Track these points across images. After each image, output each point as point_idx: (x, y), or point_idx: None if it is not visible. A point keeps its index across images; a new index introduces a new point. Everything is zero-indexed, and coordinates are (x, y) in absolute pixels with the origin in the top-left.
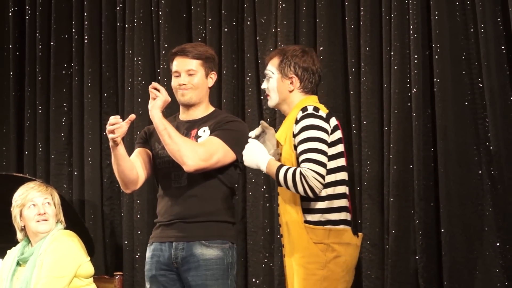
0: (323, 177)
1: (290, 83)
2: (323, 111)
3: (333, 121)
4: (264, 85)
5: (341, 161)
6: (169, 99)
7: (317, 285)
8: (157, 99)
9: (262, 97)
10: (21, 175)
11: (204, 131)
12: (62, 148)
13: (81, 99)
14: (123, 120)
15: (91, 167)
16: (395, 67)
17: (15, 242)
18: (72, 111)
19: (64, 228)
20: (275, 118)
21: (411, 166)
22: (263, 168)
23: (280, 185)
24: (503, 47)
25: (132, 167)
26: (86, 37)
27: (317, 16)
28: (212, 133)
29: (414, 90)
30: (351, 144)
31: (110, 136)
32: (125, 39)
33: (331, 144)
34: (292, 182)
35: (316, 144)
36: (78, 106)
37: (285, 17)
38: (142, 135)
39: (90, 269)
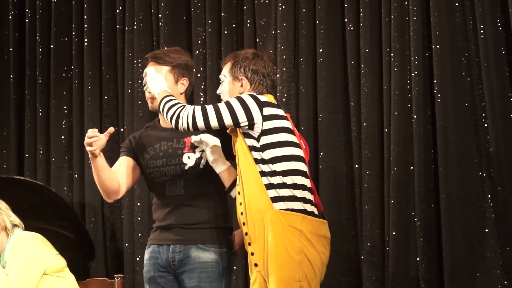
0: (194, 125)
1: (240, 85)
2: (268, 99)
3: (275, 111)
4: (218, 90)
5: (292, 150)
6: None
7: (296, 270)
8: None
9: None
10: (22, 178)
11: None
12: (62, 151)
13: (81, 102)
14: (102, 133)
15: (92, 169)
16: (395, 69)
17: None
18: (72, 114)
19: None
20: None
21: (411, 167)
22: (155, 92)
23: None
24: (502, 49)
25: (112, 177)
26: (86, 40)
27: (317, 18)
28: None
29: (414, 91)
30: (351, 146)
31: (88, 148)
32: (125, 41)
33: (268, 132)
34: (169, 107)
35: (223, 108)
36: (78, 109)
37: (285, 19)
38: (127, 144)
39: (59, 262)
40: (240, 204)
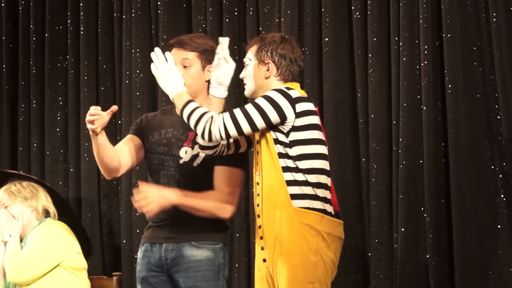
0: (227, 135)
1: (267, 69)
2: (299, 93)
3: (307, 106)
4: (241, 74)
5: (320, 149)
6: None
7: (311, 271)
8: (155, 204)
9: None
10: (15, 172)
11: None
12: (57, 144)
13: (77, 93)
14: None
15: (88, 163)
16: (404, 59)
17: None
18: (68, 106)
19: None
20: None
21: (420, 161)
22: (171, 95)
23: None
24: None
25: (113, 155)
26: (82, 28)
27: (322, 6)
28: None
29: (424, 82)
30: (358, 139)
31: (89, 126)
32: (123, 30)
33: (299, 129)
34: (197, 118)
35: (253, 112)
36: (74, 100)
37: (289, 7)
38: (137, 122)
39: (80, 262)
40: (258, 195)
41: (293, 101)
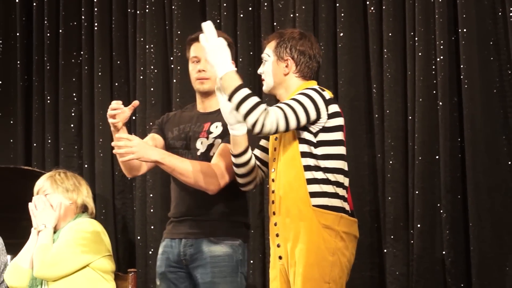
0: (278, 127)
1: (286, 66)
2: (329, 94)
3: (336, 108)
4: (260, 70)
5: (342, 150)
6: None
7: (327, 272)
8: (134, 153)
9: None
10: (30, 168)
11: (216, 126)
12: (71, 140)
13: (91, 89)
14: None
15: (102, 159)
16: (420, 54)
17: (25, 238)
18: (82, 102)
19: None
20: None
21: (437, 157)
22: (220, 73)
23: (230, 99)
24: None
25: None
26: (96, 24)
27: (337, 1)
28: (225, 137)
29: (440, 77)
30: (374, 135)
31: (110, 121)
32: (137, 26)
33: (329, 130)
34: (249, 108)
35: (297, 106)
36: (88, 96)
37: (304, 2)
38: (159, 121)
39: (109, 264)
40: (273, 192)
41: (326, 102)
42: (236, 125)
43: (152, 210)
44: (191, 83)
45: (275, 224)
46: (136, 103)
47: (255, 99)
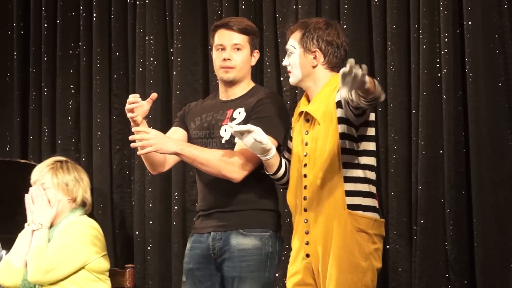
0: None
1: (314, 57)
2: None
3: None
4: (285, 62)
5: (375, 145)
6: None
7: (360, 277)
8: (152, 145)
9: (282, 78)
10: (26, 161)
11: (239, 112)
12: (69, 132)
13: (89, 81)
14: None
15: (100, 153)
16: (424, 46)
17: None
18: (80, 94)
19: (88, 214)
20: (296, 100)
21: (441, 151)
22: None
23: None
24: None
25: None
26: (94, 14)
27: None
28: (248, 122)
29: (444, 70)
30: (377, 128)
31: (129, 115)
32: (136, 17)
33: (367, 124)
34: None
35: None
36: (86, 88)
37: None
38: (181, 113)
39: (104, 264)
40: (305, 188)
41: None
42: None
43: (151, 205)
44: (215, 71)
45: (306, 221)
46: (154, 95)
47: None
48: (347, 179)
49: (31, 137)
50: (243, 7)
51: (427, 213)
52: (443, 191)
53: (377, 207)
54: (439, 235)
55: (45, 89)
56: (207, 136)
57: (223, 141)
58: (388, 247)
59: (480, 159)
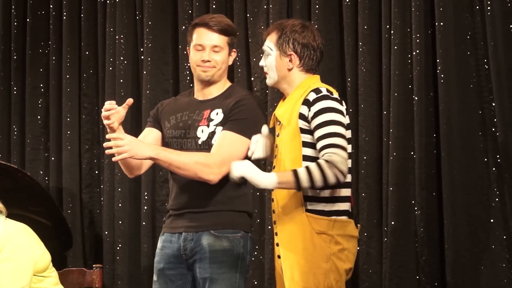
0: (346, 152)
1: (289, 60)
2: (336, 94)
3: (343, 105)
4: (262, 63)
5: (350, 148)
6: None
7: (322, 279)
8: (126, 152)
9: (252, 78)
10: None
11: (217, 113)
12: (38, 132)
13: (59, 80)
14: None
15: (69, 152)
16: (395, 47)
17: None
18: (49, 93)
19: (6, 217)
20: (267, 101)
21: (411, 153)
22: (274, 184)
23: (300, 188)
24: (511, 26)
25: None
26: (64, 13)
27: None
28: (225, 124)
29: (416, 71)
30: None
31: (105, 122)
32: (107, 15)
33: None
34: (321, 175)
35: (337, 128)
36: (55, 87)
37: None
38: (154, 113)
39: (46, 259)
40: (272, 189)
41: (341, 103)
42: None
43: (120, 205)
44: (191, 69)
45: (274, 223)
46: (130, 101)
47: (313, 168)
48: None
49: (0, 136)
50: (214, 6)
51: (398, 214)
52: (414, 192)
53: (343, 209)
54: (409, 236)
55: (14, 88)
56: (182, 136)
57: (199, 142)
58: (358, 248)
59: (451, 161)
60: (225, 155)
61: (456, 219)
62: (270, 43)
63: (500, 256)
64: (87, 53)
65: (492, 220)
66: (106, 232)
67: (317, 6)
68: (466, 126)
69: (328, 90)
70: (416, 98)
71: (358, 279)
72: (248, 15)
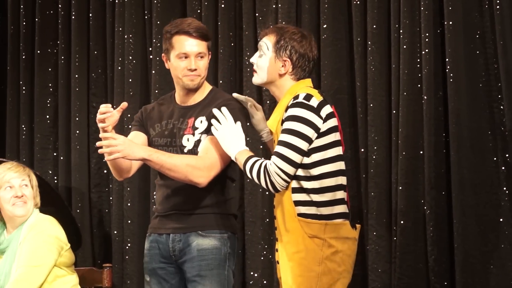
0: (287, 174)
1: (282, 66)
2: (316, 98)
3: (327, 109)
4: (253, 59)
5: (337, 151)
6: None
7: (314, 282)
8: (119, 152)
9: None
10: (3, 159)
11: (201, 121)
12: (47, 131)
13: (67, 79)
14: (115, 109)
15: (78, 152)
16: (404, 46)
17: None
18: (58, 92)
19: (41, 212)
20: (275, 101)
21: (421, 152)
22: (233, 156)
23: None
24: None
25: None
26: (73, 13)
27: None
28: (211, 131)
29: (425, 71)
30: (357, 129)
31: (100, 125)
32: (115, 15)
33: (322, 134)
34: (256, 175)
35: (293, 139)
36: (64, 86)
37: None
38: (138, 117)
39: (71, 256)
40: (275, 196)
41: (316, 110)
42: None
43: (129, 204)
44: (174, 78)
45: (275, 229)
46: (124, 105)
47: (257, 165)
48: (296, 190)
49: (8, 136)
50: (223, 6)
51: (407, 214)
52: (423, 192)
53: (337, 212)
54: (419, 236)
55: (23, 88)
56: (168, 144)
57: (185, 150)
58: (368, 248)
59: (461, 160)
60: (213, 158)
61: (466, 219)
62: (268, 43)
63: (510, 256)
64: (95, 52)
65: (501, 220)
66: (115, 232)
67: (326, 5)
68: (475, 125)
69: (306, 97)
70: (425, 97)
71: (368, 278)
72: (257, 14)
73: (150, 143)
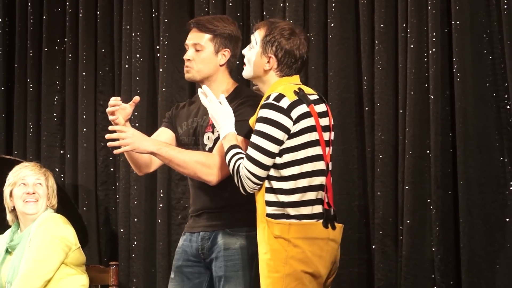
0: (258, 177)
1: (267, 62)
2: (289, 99)
3: (301, 109)
4: (245, 51)
5: (312, 151)
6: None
7: (280, 283)
8: (128, 145)
9: None
10: (10, 157)
11: None
12: (54, 129)
13: (75, 77)
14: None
15: (85, 149)
16: (412, 46)
17: (3, 229)
18: (65, 90)
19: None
20: None
21: (427, 151)
22: (221, 135)
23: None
24: None
25: None
26: (80, 10)
27: None
28: None
29: (432, 70)
30: (363, 128)
31: (110, 118)
32: (123, 13)
33: (293, 135)
34: (231, 171)
35: (263, 142)
36: (71, 84)
37: None
38: (169, 114)
39: (81, 256)
40: None
41: (286, 112)
42: None
43: (136, 202)
44: None
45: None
46: (136, 99)
47: (234, 159)
48: (268, 190)
49: (15, 133)
50: (230, 4)
51: (413, 213)
52: (429, 191)
53: (307, 213)
54: (425, 235)
55: (31, 85)
56: (193, 143)
57: (206, 149)
58: (374, 247)
59: (467, 160)
60: (220, 156)
61: (472, 218)
62: (258, 37)
63: None
64: (103, 50)
65: (507, 219)
66: (122, 230)
67: (333, 4)
68: (482, 125)
69: (277, 97)
70: (432, 96)
71: (374, 277)
72: (264, 13)
73: (178, 141)
